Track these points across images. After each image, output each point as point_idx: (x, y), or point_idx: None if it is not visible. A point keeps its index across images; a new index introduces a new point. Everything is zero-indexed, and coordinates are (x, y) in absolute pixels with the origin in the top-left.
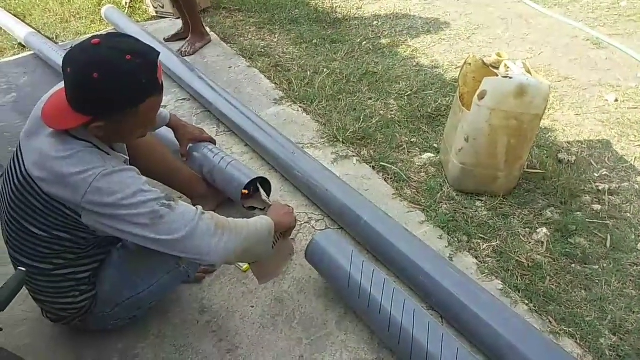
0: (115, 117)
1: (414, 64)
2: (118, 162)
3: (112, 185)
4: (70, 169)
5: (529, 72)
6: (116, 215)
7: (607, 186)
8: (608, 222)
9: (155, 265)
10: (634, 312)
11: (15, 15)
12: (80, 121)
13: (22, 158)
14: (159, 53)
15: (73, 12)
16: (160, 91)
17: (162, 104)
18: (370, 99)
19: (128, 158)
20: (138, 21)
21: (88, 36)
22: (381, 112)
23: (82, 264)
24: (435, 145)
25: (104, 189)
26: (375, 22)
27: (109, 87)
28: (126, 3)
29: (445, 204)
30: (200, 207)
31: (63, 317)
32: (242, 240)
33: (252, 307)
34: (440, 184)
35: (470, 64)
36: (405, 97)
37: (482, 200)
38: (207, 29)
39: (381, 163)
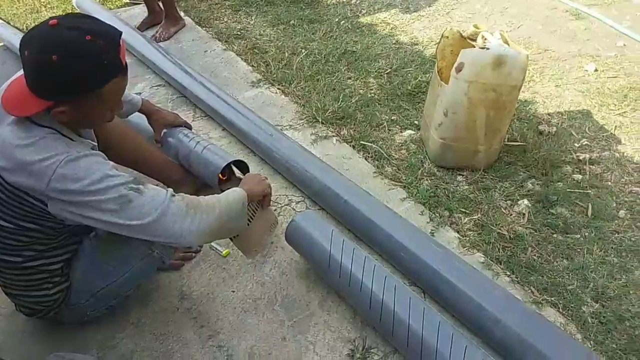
0: (78, 101)
1: (393, 41)
2: (83, 148)
3: (78, 171)
4: (33, 156)
5: (507, 42)
6: (83, 202)
7: (587, 156)
8: (589, 191)
9: (128, 252)
10: (615, 278)
11: None
12: (42, 106)
13: None
14: (121, 32)
15: (43, 2)
16: (124, 72)
17: (137, 91)
18: (350, 78)
19: (96, 144)
20: (111, 8)
21: None
22: (361, 91)
23: (53, 255)
24: (416, 122)
25: (69, 175)
26: (353, 1)
27: (69, 69)
28: None
29: (427, 179)
30: (170, 190)
31: (37, 311)
32: (216, 217)
33: (233, 291)
34: (421, 160)
35: (447, 37)
36: (385, 75)
37: (463, 175)
38: (182, 13)
39: (361, 142)
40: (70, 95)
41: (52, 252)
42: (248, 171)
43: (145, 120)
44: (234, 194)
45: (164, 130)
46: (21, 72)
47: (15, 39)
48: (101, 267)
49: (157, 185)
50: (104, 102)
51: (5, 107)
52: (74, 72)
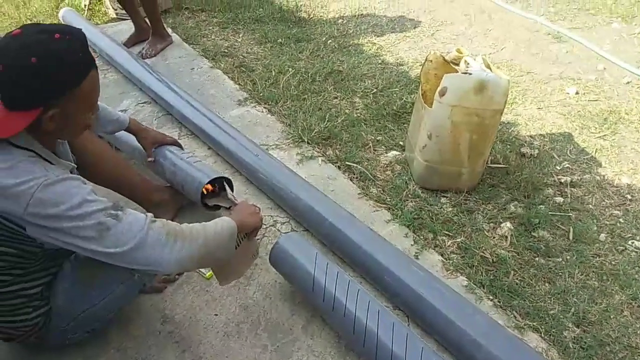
0: (65, 99)
1: (379, 61)
2: (62, 171)
3: (56, 195)
4: (11, 180)
5: (488, 67)
6: (60, 228)
7: (569, 178)
8: (570, 214)
9: (109, 276)
10: (596, 303)
11: None
12: (27, 121)
13: None
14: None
15: (29, 16)
16: (96, 67)
17: (123, 108)
18: (336, 97)
19: (75, 166)
20: (97, 24)
21: None
22: (347, 110)
23: (32, 278)
24: (401, 143)
25: (47, 199)
26: (340, 21)
27: (50, 67)
28: (85, 5)
29: (411, 201)
30: (150, 215)
31: (16, 336)
32: (199, 247)
33: (216, 315)
34: (406, 182)
35: (431, 60)
36: (371, 95)
37: (447, 197)
38: (169, 30)
39: (347, 162)
40: (57, 93)
41: (31, 275)
42: (232, 188)
43: (132, 138)
44: (222, 224)
45: (154, 149)
46: None
47: None
48: (82, 290)
49: (136, 208)
50: (85, 98)
51: None
52: (55, 69)
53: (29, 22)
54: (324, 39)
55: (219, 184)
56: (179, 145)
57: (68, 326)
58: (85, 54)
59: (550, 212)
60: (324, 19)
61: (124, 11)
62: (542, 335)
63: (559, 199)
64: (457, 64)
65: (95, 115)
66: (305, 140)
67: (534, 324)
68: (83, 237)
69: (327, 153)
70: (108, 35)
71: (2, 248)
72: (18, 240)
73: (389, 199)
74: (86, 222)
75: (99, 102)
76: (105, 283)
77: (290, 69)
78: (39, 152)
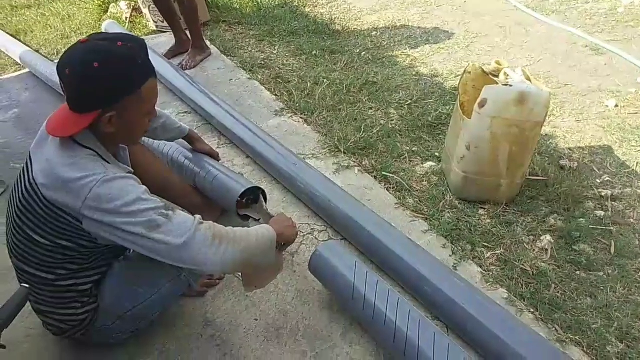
0: (123, 103)
1: (414, 73)
2: (119, 171)
3: (112, 191)
4: (73, 174)
5: (528, 79)
6: (113, 222)
7: (609, 192)
8: (612, 228)
9: (156, 275)
10: None
11: (13, 34)
12: (87, 121)
13: (31, 167)
14: (144, 40)
15: (74, 28)
16: (155, 74)
17: None
18: (371, 108)
19: (132, 170)
20: (138, 35)
21: None
22: (382, 121)
23: (84, 275)
24: (437, 154)
25: (104, 195)
26: (374, 33)
27: (111, 72)
28: (126, 18)
29: (449, 212)
30: (198, 217)
31: (64, 330)
32: (241, 251)
33: (256, 320)
34: (443, 193)
35: (469, 72)
36: (406, 107)
37: (485, 208)
38: (207, 43)
39: (383, 173)
40: (116, 97)
41: (84, 272)
42: (265, 198)
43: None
44: (263, 231)
45: (189, 155)
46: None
47: (40, 64)
48: (130, 288)
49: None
50: (144, 103)
51: (49, 131)
52: (115, 74)
53: (73, 34)
54: (358, 50)
55: (254, 196)
56: (217, 158)
57: (113, 324)
58: (144, 61)
59: (591, 226)
60: (358, 31)
61: (164, 24)
62: (585, 350)
63: (600, 213)
64: (496, 76)
65: (152, 118)
66: (342, 150)
67: (576, 337)
68: (134, 233)
69: (364, 163)
70: (149, 47)
71: (60, 241)
72: (74, 233)
73: (426, 210)
74: (138, 219)
75: (163, 111)
76: (152, 281)
77: (325, 80)
78: (99, 152)
